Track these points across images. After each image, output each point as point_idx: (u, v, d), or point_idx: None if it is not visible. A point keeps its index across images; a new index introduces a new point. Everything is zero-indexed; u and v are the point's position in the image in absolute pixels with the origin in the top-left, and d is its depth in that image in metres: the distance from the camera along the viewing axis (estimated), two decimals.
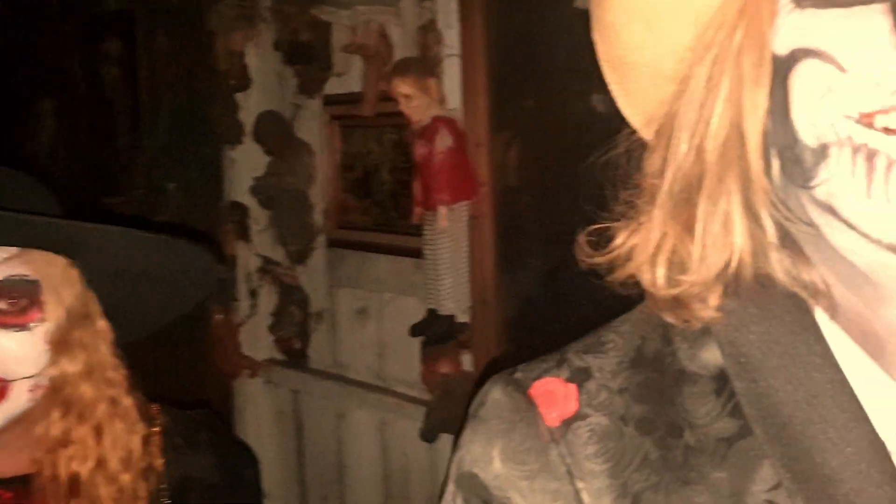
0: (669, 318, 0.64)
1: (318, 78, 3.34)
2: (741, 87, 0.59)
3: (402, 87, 2.68)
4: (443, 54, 2.85)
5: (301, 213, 3.46)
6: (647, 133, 0.67)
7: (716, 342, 0.62)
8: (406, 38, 2.98)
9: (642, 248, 0.63)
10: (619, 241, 0.65)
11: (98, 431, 1.30)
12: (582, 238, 0.67)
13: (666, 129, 0.63)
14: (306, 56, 3.31)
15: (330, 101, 3.33)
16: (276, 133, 3.49)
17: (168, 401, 1.45)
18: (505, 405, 0.64)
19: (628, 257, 0.64)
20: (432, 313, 2.74)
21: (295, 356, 3.59)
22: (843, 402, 0.58)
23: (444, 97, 2.76)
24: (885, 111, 0.54)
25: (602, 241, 0.66)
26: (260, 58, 3.58)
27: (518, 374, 0.66)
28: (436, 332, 2.73)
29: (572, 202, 2.83)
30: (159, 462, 1.35)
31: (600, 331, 0.68)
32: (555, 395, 0.63)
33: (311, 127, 3.42)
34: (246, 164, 3.67)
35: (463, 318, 2.80)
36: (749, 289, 0.61)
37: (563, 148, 2.84)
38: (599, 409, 0.62)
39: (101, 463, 1.29)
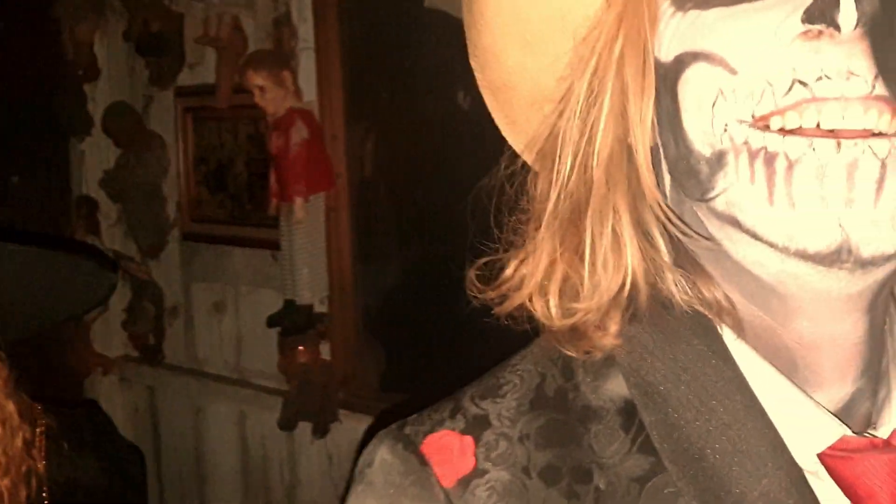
0: (569, 351, 0.59)
1: (170, 69, 3.30)
2: (625, 98, 0.56)
3: (257, 79, 2.69)
4: (298, 48, 2.88)
5: (153, 206, 3.41)
6: (530, 157, 0.64)
7: (620, 372, 0.58)
8: (260, 31, 2.98)
9: (531, 276, 0.59)
10: (508, 271, 0.60)
11: None
12: (471, 273, 0.62)
13: (549, 149, 0.59)
14: (158, 47, 3.27)
15: (183, 92, 3.30)
16: (126, 125, 3.42)
17: (51, 399, 1.41)
18: (394, 466, 0.57)
19: (518, 288, 0.60)
20: (290, 304, 2.76)
21: (149, 352, 3.53)
22: (759, 429, 0.55)
23: (299, 89, 2.79)
24: (780, 112, 0.52)
25: (493, 273, 0.61)
26: (109, 48, 3.50)
27: (408, 429, 0.59)
28: (293, 323, 2.75)
29: (429, 194, 2.91)
30: (41, 465, 1.32)
31: (497, 371, 0.62)
32: (450, 450, 0.57)
33: (164, 119, 3.38)
34: (95, 157, 3.58)
35: (321, 308, 2.84)
36: (651, 312, 0.58)
37: (419, 141, 2.91)
38: (499, 462, 0.56)
39: None
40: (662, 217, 0.57)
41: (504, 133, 0.67)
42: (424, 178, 2.90)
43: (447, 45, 2.70)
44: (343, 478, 2.95)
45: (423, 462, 0.57)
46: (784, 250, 0.52)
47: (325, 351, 2.86)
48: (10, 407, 1.29)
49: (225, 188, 3.21)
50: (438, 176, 2.86)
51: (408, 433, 0.59)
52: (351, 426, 2.85)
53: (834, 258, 0.51)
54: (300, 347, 2.79)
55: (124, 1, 3.33)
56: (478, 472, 0.56)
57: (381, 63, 2.93)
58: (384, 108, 2.97)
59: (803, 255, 0.52)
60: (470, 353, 2.83)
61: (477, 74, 0.65)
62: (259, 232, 3.01)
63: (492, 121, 0.69)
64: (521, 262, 0.60)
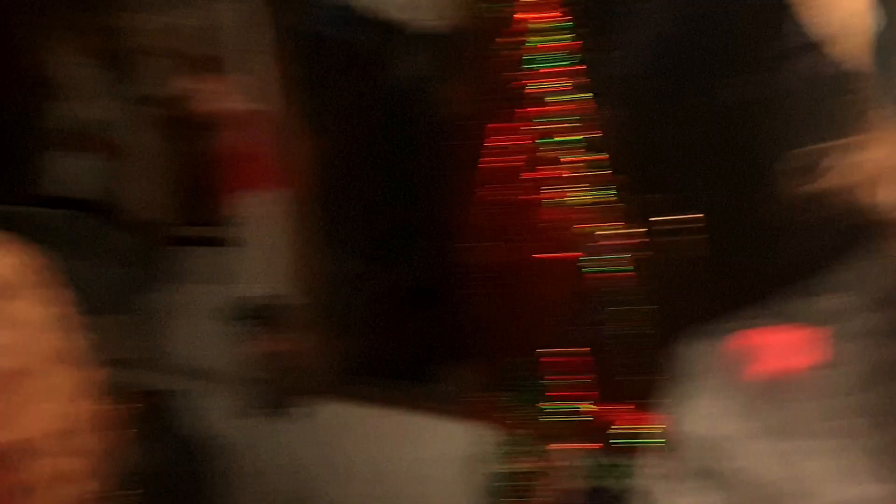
0: None
1: None
2: None
3: (206, 83, 2.78)
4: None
5: None
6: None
7: None
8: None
9: (875, 163, 0.53)
10: (844, 160, 0.54)
11: (24, 403, 1.17)
12: (794, 162, 0.57)
13: None
14: None
15: None
16: None
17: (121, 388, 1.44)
18: (710, 359, 0.58)
19: (858, 179, 0.54)
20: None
21: None
22: None
23: (244, 92, 2.82)
24: None
25: (808, 168, 0.56)
26: None
27: (726, 325, 0.59)
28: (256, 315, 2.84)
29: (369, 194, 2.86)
30: (111, 449, 1.27)
31: (831, 272, 0.58)
32: (768, 346, 0.56)
33: None
34: None
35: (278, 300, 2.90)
36: None
37: (375, 141, 2.90)
38: (846, 354, 0.54)
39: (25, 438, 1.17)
40: None
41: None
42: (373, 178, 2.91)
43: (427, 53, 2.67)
44: None
45: (739, 356, 0.57)
46: None
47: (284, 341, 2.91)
48: (66, 376, 1.22)
49: None
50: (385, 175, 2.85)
51: (726, 329, 0.58)
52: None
53: None
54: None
55: None
56: (820, 365, 0.54)
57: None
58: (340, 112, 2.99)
59: None
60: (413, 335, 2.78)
61: None
62: None
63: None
64: (862, 150, 0.54)
